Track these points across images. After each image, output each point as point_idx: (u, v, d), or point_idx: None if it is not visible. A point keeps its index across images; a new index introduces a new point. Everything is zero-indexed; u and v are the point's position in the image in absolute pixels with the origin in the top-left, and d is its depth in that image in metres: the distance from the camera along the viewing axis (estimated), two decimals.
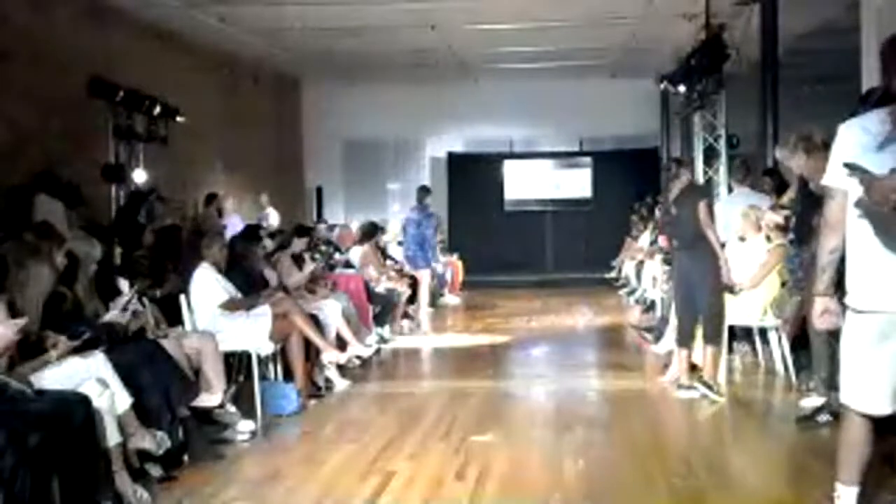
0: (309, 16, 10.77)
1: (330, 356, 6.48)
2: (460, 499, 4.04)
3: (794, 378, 6.24)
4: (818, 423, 4.99)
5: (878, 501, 3.57)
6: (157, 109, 10.37)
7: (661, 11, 10.55)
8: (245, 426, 5.25)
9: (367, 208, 15.57)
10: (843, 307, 3.11)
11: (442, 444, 4.97)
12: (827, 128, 3.61)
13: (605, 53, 13.58)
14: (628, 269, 12.65)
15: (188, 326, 5.70)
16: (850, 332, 3.07)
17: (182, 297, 5.80)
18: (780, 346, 6.56)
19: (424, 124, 16.50)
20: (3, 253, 4.14)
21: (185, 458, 4.56)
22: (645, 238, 12.18)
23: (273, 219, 12.34)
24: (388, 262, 10.87)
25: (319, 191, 16.14)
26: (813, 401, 5.40)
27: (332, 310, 6.98)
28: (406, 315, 10.29)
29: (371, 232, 10.24)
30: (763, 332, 6.86)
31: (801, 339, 5.97)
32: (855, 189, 2.92)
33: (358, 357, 7.34)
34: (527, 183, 16.94)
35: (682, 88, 11.92)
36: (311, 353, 6.31)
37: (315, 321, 6.46)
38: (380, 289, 9.24)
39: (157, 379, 4.43)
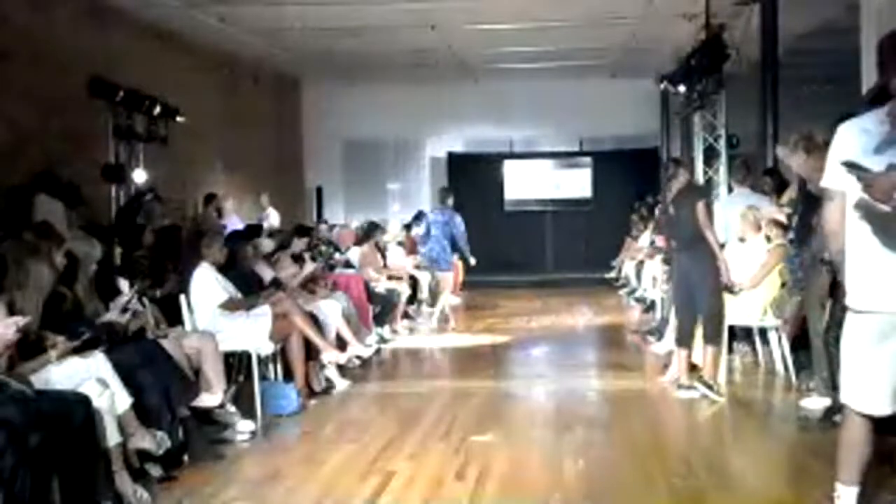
0: (309, 16, 10.77)
1: (330, 356, 6.48)
2: (460, 499, 4.04)
3: (794, 378, 6.24)
4: (835, 423, 4.95)
5: (878, 501, 3.56)
6: (157, 109, 10.37)
7: (661, 11, 10.55)
8: (245, 426, 5.26)
9: (367, 208, 15.57)
10: (844, 308, 3.11)
11: (442, 444, 4.97)
12: (827, 128, 3.60)
13: (605, 53, 13.58)
14: (628, 269, 12.66)
15: (188, 326, 5.70)
16: (850, 332, 3.08)
17: (182, 297, 5.80)
18: (780, 346, 6.55)
19: (424, 124, 16.50)
20: (3, 253, 4.14)
21: (185, 458, 4.56)
22: (645, 238, 12.18)
23: (274, 219, 12.34)
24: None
25: (319, 191, 16.14)
26: (814, 401, 5.39)
27: (332, 310, 6.98)
28: (406, 315, 10.29)
29: (369, 233, 10.25)
30: (763, 332, 6.86)
31: (801, 339, 5.97)
32: (854, 190, 2.91)
33: (358, 357, 7.34)
34: (527, 183, 16.94)
35: (682, 88, 11.92)
36: (311, 353, 6.31)
37: (315, 321, 6.46)
38: (380, 289, 9.24)
39: (157, 379, 4.43)
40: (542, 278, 15.38)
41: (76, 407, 3.67)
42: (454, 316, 10.20)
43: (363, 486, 4.21)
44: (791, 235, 5.97)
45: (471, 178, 16.58)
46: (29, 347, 3.92)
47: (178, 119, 10.87)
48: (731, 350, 6.81)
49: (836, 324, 4.42)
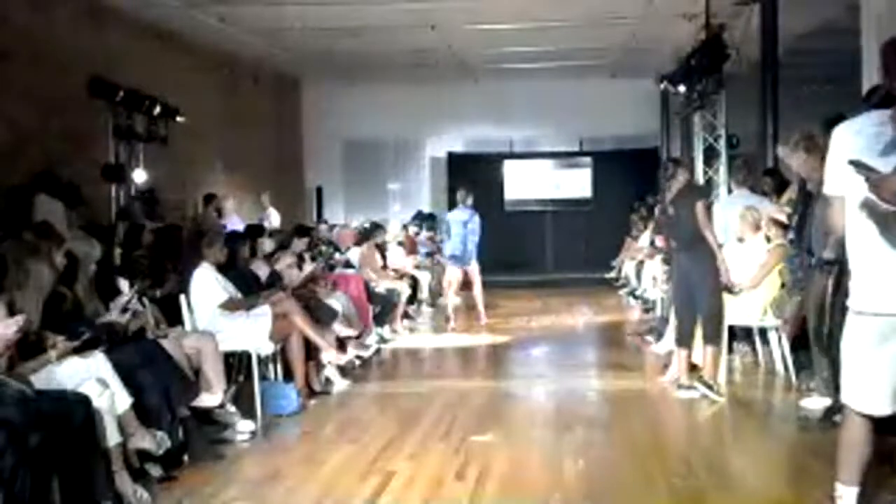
0: (309, 16, 10.77)
1: (330, 356, 6.48)
2: (460, 499, 4.04)
3: (794, 378, 6.24)
4: (835, 423, 4.95)
5: (878, 501, 3.57)
6: (157, 109, 10.38)
7: (661, 11, 10.55)
8: (245, 426, 5.26)
9: (367, 208, 15.58)
10: (846, 309, 3.11)
11: (442, 444, 4.97)
12: (821, 128, 3.61)
13: (605, 53, 13.58)
14: (628, 269, 12.66)
15: (188, 326, 5.70)
16: (851, 333, 3.07)
17: (182, 297, 5.80)
18: (780, 346, 6.55)
19: (424, 124, 16.50)
20: (3, 253, 4.14)
21: (185, 458, 4.56)
22: (645, 238, 12.18)
23: (274, 219, 12.34)
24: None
25: (319, 191, 16.14)
26: (814, 401, 5.39)
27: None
28: (406, 315, 10.29)
29: (367, 233, 10.25)
30: (763, 332, 6.86)
31: (801, 339, 5.96)
32: (855, 192, 2.90)
33: (358, 357, 7.33)
34: (527, 183, 16.94)
35: (682, 88, 11.92)
36: (311, 353, 6.31)
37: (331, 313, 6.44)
38: (380, 289, 9.24)
39: (157, 379, 4.43)
40: (542, 278, 15.37)
41: (76, 407, 3.67)
42: (454, 315, 10.19)
43: (363, 486, 4.22)
44: (791, 235, 5.97)
45: (471, 178, 16.44)
46: (29, 347, 3.92)
47: (178, 119, 10.88)
48: (731, 350, 6.81)
49: (836, 326, 4.41)
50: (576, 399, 6.36)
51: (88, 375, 3.95)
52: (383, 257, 10.45)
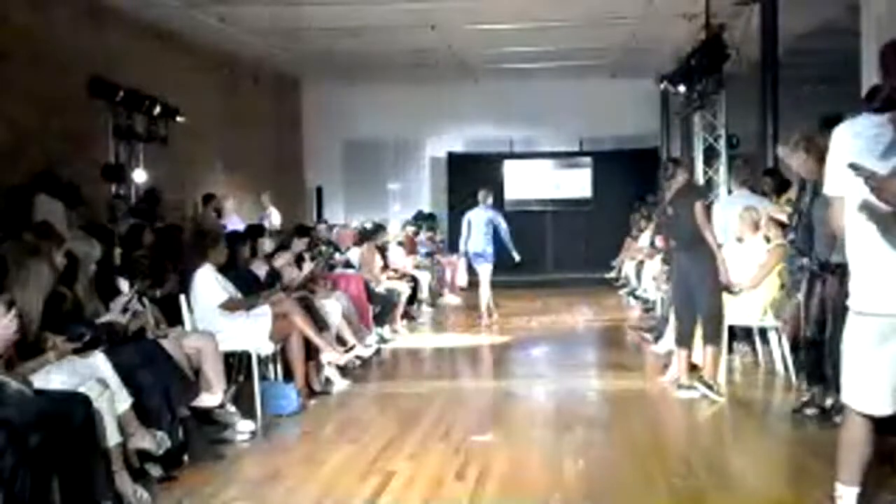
0: (309, 16, 10.77)
1: (330, 356, 6.48)
2: (460, 499, 4.04)
3: (794, 378, 6.23)
4: (835, 423, 4.93)
5: (878, 501, 3.56)
6: (157, 109, 10.38)
7: (661, 11, 10.55)
8: (245, 426, 5.25)
9: (368, 208, 15.59)
10: (846, 309, 3.11)
11: (442, 444, 4.97)
12: (815, 129, 3.61)
13: (605, 53, 13.58)
14: (628, 269, 12.66)
15: (188, 326, 5.70)
16: (852, 333, 3.08)
17: (182, 297, 5.80)
18: (780, 346, 6.56)
19: (424, 124, 16.50)
20: (3, 253, 4.13)
21: (185, 458, 4.56)
22: (645, 238, 12.19)
23: (275, 219, 12.34)
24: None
25: (319, 191, 16.15)
26: (805, 396, 5.41)
27: (332, 310, 6.98)
28: (406, 315, 10.29)
29: (366, 234, 10.26)
30: (763, 332, 6.86)
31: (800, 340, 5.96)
32: (854, 193, 2.90)
33: (358, 357, 7.33)
34: (527, 183, 16.92)
35: (682, 88, 11.93)
36: (311, 353, 6.31)
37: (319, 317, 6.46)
38: (380, 289, 9.24)
39: (157, 379, 4.43)
40: (542, 278, 15.35)
41: (76, 407, 3.67)
42: (454, 315, 10.19)
43: (363, 486, 4.22)
44: (791, 236, 5.96)
45: (471, 178, 16.52)
46: (29, 347, 3.92)
47: (178, 119, 10.88)
48: (731, 350, 6.81)
49: (837, 330, 4.38)
50: (576, 399, 6.36)
51: (88, 375, 3.95)
52: (384, 257, 10.46)
